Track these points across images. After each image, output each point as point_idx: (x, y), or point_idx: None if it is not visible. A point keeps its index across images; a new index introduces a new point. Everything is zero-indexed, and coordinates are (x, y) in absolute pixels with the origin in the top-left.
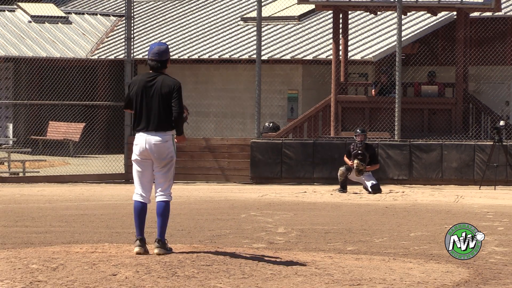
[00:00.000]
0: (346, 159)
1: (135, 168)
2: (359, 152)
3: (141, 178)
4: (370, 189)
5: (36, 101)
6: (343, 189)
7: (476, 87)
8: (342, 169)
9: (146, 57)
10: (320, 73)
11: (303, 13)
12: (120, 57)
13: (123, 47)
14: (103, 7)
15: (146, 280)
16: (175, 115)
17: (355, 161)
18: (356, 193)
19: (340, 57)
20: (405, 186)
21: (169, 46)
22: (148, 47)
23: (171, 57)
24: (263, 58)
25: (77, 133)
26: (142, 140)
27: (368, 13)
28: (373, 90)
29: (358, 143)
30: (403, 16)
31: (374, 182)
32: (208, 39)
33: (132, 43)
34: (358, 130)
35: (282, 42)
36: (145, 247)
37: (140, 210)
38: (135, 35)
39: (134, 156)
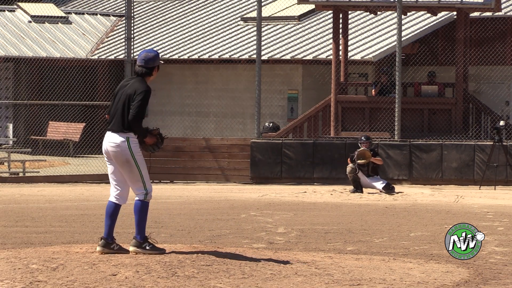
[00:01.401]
0: (349, 161)
1: (108, 168)
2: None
3: (112, 179)
4: (382, 190)
5: (36, 101)
6: (357, 189)
7: (476, 87)
8: (349, 166)
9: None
10: (320, 73)
11: (303, 13)
12: (120, 57)
13: (123, 47)
14: (103, 7)
15: (146, 280)
16: (130, 117)
17: (362, 148)
18: (359, 193)
19: (340, 57)
20: (405, 186)
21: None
22: (148, 47)
23: (172, 57)
24: (263, 58)
25: (77, 133)
26: (104, 142)
27: (368, 13)
28: (373, 90)
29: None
30: (403, 16)
31: (385, 183)
32: (208, 39)
33: (132, 43)
34: (363, 138)
35: (282, 42)
36: (108, 248)
37: (111, 210)
38: (135, 35)
39: (104, 157)
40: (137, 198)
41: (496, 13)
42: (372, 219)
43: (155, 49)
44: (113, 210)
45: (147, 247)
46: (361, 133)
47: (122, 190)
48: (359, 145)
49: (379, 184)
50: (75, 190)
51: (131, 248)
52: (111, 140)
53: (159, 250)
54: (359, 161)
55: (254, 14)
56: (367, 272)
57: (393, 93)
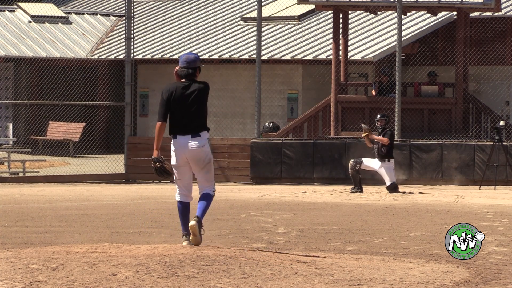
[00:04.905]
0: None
1: (175, 173)
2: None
3: (182, 182)
4: (386, 188)
5: (36, 101)
6: (357, 188)
7: (476, 87)
8: (351, 161)
9: (148, 57)
10: (320, 73)
11: (303, 13)
12: (120, 57)
13: (123, 47)
14: (103, 7)
15: (146, 280)
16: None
17: (363, 125)
18: (357, 192)
19: (340, 57)
20: (405, 186)
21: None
22: (148, 47)
23: (172, 57)
24: (263, 58)
25: (77, 133)
26: (179, 146)
27: (368, 13)
28: (373, 90)
29: (378, 128)
30: (403, 16)
31: (392, 181)
32: (208, 39)
33: (132, 43)
34: (378, 116)
35: (282, 42)
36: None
37: (184, 209)
38: (135, 35)
39: (173, 162)
40: (207, 191)
41: (496, 13)
42: (372, 219)
43: (155, 48)
44: (186, 208)
45: (202, 232)
46: (362, 133)
47: (190, 190)
48: (376, 123)
49: (388, 180)
50: (75, 190)
51: (192, 222)
52: (195, 144)
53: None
54: (363, 135)
55: (254, 14)
56: (367, 272)
57: (393, 93)
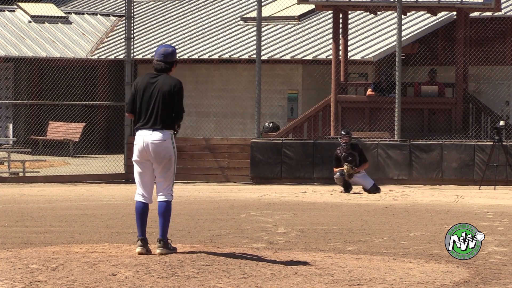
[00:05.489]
0: (335, 169)
1: (136, 168)
2: (347, 153)
3: (141, 179)
4: (368, 190)
5: (36, 101)
6: (347, 189)
7: (476, 87)
8: (336, 175)
9: (148, 57)
10: (320, 73)
11: (303, 13)
12: (120, 57)
13: (123, 47)
14: (103, 7)
15: (146, 280)
16: (180, 115)
17: (345, 166)
18: (356, 193)
19: (340, 57)
20: (405, 186)
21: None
22: (148, 47)
23: None
24: (263, 58)
25: (77, 133)
26: (140, 140)
27: (368, 13)
28: (369, 90)
29: (343, 145)
30: (403, 16)
31: (371, 184)
32: (208, 39)
33: (132, 43)
34: (342, 132)
35: (282, 42)
36: (147, 247)
37: (141, 210)
38: (135, 35)
39: (134, 157)
40: (163, 199)
41: (496, 13)
42: (372, 219)
43: (155, 48)
44: (144, 211)
45: (171, 248)
46: (361, 133)
47: (150, 190)
48: (339, 139)
49: (367, 184)
50: (75, 190)
51: (158, 250)
52: (155, 137)
53: (175, 249)
54: (348, 179)
55: (254, 14)
56: (367, 272)
57: (393, 93)
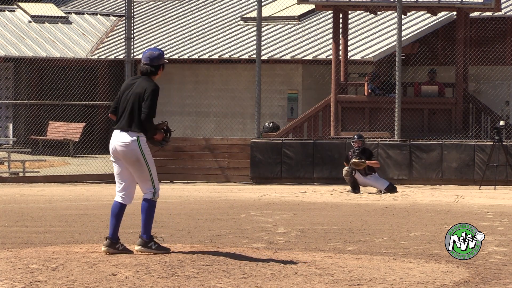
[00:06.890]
0: (345, 163)
1: (114, 168)
2: (356, 155)
3: (119, 178)
4: (384, 190)
5: (36, 101)
6: (355, 190)
7: (476, 87)
8: (345, 168)
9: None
10: (320, 73)
11: (303, 13)
12: (120, 57)
13: (123, 47)
14: (103, 7)
15: (146, 280)
16: (143, 117)
17: (353, 160)
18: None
19: (340, 57)
20: (405, 186)
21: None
22: (148, 47)
23: (172, 57)
24: (263, 58)
25: (77, 133)
26: (111, 141)
27: (368, 13)
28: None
29: (356, 149)
30: (403, 16)
31: (386, 184)
32: (208, 39)
33: (132, 43)
34: (355, 136)
35: (282, 42)
36: (113, 248)
37: (117, 210)
38: (135, 35)
39: (111, 157)
40: (144, 197)
41: (496, 13)
42: (372, 219)
43: None
44: (119, 210)
45: (153, 247)
46: (362, 133)
47: (127, 190)
48: (352, 143)
49: (382, 184)
50: (75, 190)
51: (136, 248)
52: (121, 139)
53: (164, 249)
54: (356, 166)
55: (254, 14)
56: (367, 272)
57: (393, 93)
